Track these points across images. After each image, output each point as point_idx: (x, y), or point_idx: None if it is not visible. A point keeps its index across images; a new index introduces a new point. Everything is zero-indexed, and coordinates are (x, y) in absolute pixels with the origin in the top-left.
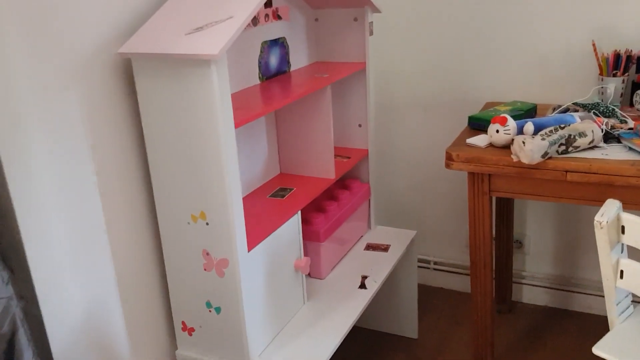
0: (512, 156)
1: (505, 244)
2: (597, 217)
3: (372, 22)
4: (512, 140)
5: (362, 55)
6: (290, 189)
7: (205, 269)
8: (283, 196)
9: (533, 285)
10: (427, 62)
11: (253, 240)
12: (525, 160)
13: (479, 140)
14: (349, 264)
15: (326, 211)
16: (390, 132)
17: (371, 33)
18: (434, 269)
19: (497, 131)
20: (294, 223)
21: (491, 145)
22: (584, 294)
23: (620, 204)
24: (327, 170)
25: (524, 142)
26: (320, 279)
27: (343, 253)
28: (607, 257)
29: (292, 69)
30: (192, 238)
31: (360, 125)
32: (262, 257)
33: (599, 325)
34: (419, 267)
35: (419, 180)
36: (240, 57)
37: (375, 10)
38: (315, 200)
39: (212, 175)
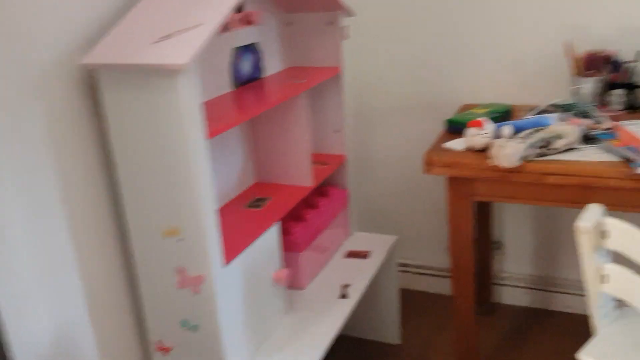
0: (490, 160)
1: (484, 245)
2: (579, 222)
3: (346, 25)
4: (490, 143)
5: (336, 59)
6: (267, 199)
7: (180, 287)
8: (260, 206)
9: (513, 286)
10: (402, 65)
11: (230, 254)
12: (504, 163)
13: (457, 144)
14: (329, 273)
15: (305, 220)
16: (367, 136)
17: (345, 37)
18: (416, 273)
19: (475, 135)
20: (272, 234)
21: (469, 148)
22: (564, 293)
23: (602, 208)
24: (304, 177)
25: (502, 146)
26: (301, 289)
27: (323, 262)
28: (589, 262)
29: (265, 75)
30: (165, 255)
31: (336, 131)
32: (239, 271)
33: (579, 324)
34: (400, 271)
35: (398, 184)
36: (211, 64)
37: (350, 13)
38: (293, 209)
39: (184, 189)
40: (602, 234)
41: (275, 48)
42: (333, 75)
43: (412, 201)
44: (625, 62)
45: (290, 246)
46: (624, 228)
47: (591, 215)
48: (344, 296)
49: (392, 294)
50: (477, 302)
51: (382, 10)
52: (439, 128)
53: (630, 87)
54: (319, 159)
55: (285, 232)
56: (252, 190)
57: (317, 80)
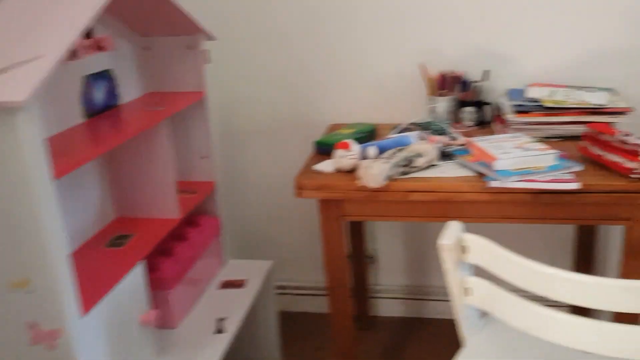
0: (358, 181)
1: (359, 260)
2: (441, 240)
3: (207, 49)
4: (357, 164)
5: (199, 84)
6: (130, 235)
7: (33, 343)
8: (122, 244)
9: (388, 298)
10: (270, 87)
11: (88, 302)
12: (370, 184)
13: (326, 165)
14: (203, 307)
15: (174, 254)
16: (237, 161)
17: (207, 61)
18: (295, 294)
19: (342, 156)
20: (137, 274)
21: (338, 170)
22: (435, 300)
23: (461, 225)
24: (170, 209)
25: (368, 167)
26: (173, 328)
27: (196, 296)
28: (453, 277)
29: (122, 102)
30: (14, 309)
31: (204, 157)
32: (101, 319)
33: (451, 329)
34: (280, 294)
35: (272, 207)
36: (58, 95)
37: (209, 37)
38: (159, 244)
39: (30, 235)
40: (463, 249)
41: (132, 74)
42: (197, 100)
43: (287, 223)
44: (474, 82)
45: (158, 284)
46: (482, 243)
47: (451, 232)
48: (219, 331)
49: (271, 320)
50: (356, 318)
51: (247, 32)
52: (309, 148)
53: (478, 104)
54: (186, 188)
55: (153, 270)
56: (113, 227)
57: (180, 106)
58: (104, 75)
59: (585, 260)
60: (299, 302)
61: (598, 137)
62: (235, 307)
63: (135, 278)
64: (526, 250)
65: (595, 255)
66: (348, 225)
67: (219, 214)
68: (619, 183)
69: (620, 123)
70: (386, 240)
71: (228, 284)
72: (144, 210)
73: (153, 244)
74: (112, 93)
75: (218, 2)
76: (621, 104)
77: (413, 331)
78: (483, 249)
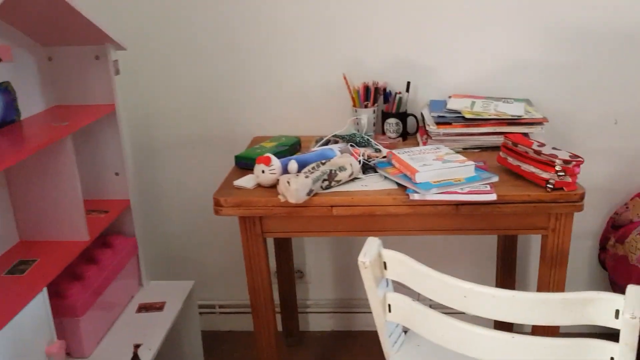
0: (279, 196)
1: (287, 276)
2: (360, 258)
3: (116, 60)
4: (278, 180)
5: (109, 96)
6: (33, 261)
7: None
8: (23, 271)
9: (318, 312)
10: (189, 99)
11: None
12: (291, 200)
13: (246, 181)
14: (118, 333)
15: (84, 278)
16: (156, 176)
17: (117, 72)
18: (221, 313)
19: (263, 171)
20: (39, 302)
21: (259, 185)
22: (364, 312)
23: (380, 241)
24: (78, 231)
25: (289, 182)
26: (85, 358)
27: (110, 321)
28: (374, 294)
29: (23, 117)
30: None
31: (117, 174)
32: (0, 352)
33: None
34: (205, 313)
35: (194, 223)
36: None
37: (119, 47)
38: (70, 267)
39: None
40: (383, 265)
41: (34, 86)
42: (107, 113)
43: (210, 240)
44: (397, 93)
45: (67, 311)
46: (400, 259)
47: (370, 249)
48: (135, 358)
49: (195, 341)
50: (285, 334)
51: (165, 42)
52: (232, 162)
53: (402, 116)
54: (98, 207)
55: (60, 296)
56: (14, 253)
57: (86, 120)
58: (2, 88)
59: (507, 268)
60: (226, 321)
61: (515, 147)
62: (153, 332)
63: (38, 306)
64: (454, 260)
65: (517, 263)
66: (273, 240)
67: (135, 233)
68: (535, 193)
69: (535, 133)
70: (314, 255)
71: (146, 307)
72: (49, 233)
73: (59, 269)
74: (11, 107)
75: (132, 10)
76: (537, 115)
77: (343, 345)
78: (401, 265)
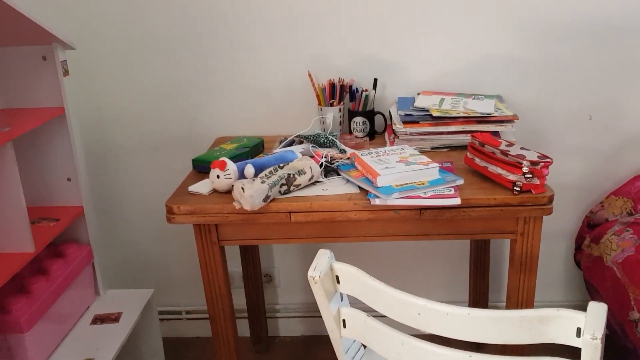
0: (234, 203)
1: (254, 280)
2: (310, 272)
3: (65, 60)
4: (233, 185)
5: (58, 98)
6: None
7: None
8: None
9: (288, 317)
10: (148, 99)
11: None
12: (246, 206)
13: (202, 186)
14: (69, 348)
15: (30, 291)
16: (114, 180)
17: (66, 73)
18: (187, 319)
19: (218, 176)
20: None
21: (215, 190)
22: None
23: (331, 253)
24: (22, 242)
25: (243, 188)
26: None
27: (61, 335)
28: (326, 309)
29: None
30: None
31: (69, 179)
32: None
33: None
34: (170, 319)
35: (156, 229)
36: None
37: (68, 47)
38: (15, 280)
39: None
40: (335, 278)
41: None
42: (56, 116)
43: (174, 243)
44: (364, 91)
45: (11, 327)
46: (352, 272)
47: (321, 262)
48: None
49: (156, 350)
50: (253, 340)
51: (119, 41)
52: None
53: (369, 114)
54: (48, 214)
55: (4, 311)
56: None
57: (31, 125)
58: None
59: (480, 271)
60: (192, 327)
61: (482, 148)
62: (107, 345)
63: None
64: (426, 262)
65: (490, 266)
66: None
67: (89, 241)
68: (501, 196)
69: (506, 131)
70: (283, 258)
71: (101, 319)
72: None
73: (1, 282)
74: None
75: (84, 5)
76: (507, 112)
77: (314, 350)
78: (353, 279)
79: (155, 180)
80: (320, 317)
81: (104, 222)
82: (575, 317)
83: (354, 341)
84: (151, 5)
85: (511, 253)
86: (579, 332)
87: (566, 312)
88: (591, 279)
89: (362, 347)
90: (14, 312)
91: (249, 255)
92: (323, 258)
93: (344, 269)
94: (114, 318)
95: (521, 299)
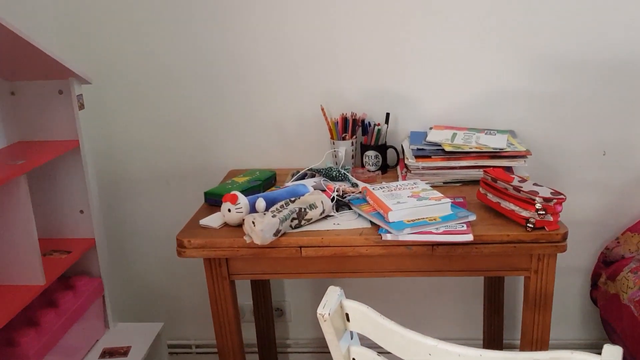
0: (244, 237)
1: (265, 314)
2: (319, 310)
3: (81, 94)
4: (245, 219)
5: (73, 132)
6: None
7: None
8: None
9: (298, 352)
10: (162, 131)
11: None
12: (257, 241)
13: (213, 220)
14: None
15: (39, 324)
16: (126, 213)
17: (82, 107)
18: (197, 353)
19: (229, 210)
20: None
21: (226, 224)
22: None
23: (341, 290)
24: (33, 275)
25: (254, 222)
26: None
27: None
28: (336, 348)
29: None
30: None
31: (82, 212)
32: None
33: None
34: (180, 353)
35: (166, 261)
36: None
37: (84, 81)
38: (25, 312)
39: None
40: (345, 316)
41: None
42: (70, 149)
43: (184, 276)
44: (376, 125)
45: None
46: (362, 311)
47: (330, 300)
48: None
49: None
50: None
51: (133, 75)
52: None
53: (381, 148)
54: (60, 247)
55: (13, 344)
56: None
57: (45, 158)
58: None
59: (494, 308)
60: None
61: (494, 184)
62: None
63: None
64: (439, 297)
65: (504, 302)
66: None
67: (100, 273)
68: (514, 233)
69: (519, 167)
70: (294, 292)
71: (110, 352)
72: (2, 277)
73: (10, 315)
74: None
75: (99, 40)
76: (520, 147)
77: None
78: (364, 317)
79: (165, 213)
80: (330, 352)
81: (113, 253)
82: None
83: None
84: (165, 40)
85: (525, 291)
86: None
87: (580, 355)
88: (608, 317)
89: None
90: (22, 345)
91: (260, 288)
92: (333, 295)
93: (354, 307)
94: (122, 352)
95: (536, 337)
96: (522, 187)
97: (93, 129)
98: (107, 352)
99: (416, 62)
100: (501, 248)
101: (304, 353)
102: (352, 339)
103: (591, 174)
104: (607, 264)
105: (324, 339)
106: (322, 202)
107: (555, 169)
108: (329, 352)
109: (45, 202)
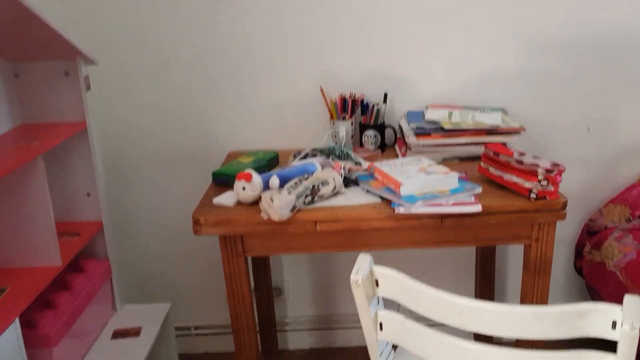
0: (261, 214)
1: (265, 294)
2: (352, 276)
3: (87, 75)
4: (260, 196)
5: (80, 113)
6: (2, 290)
7: None
8: None
9: (297, 330)
10: (162, 115)
11: None
12: (275, 217)
13: (226, 198)
14: None
15: (56, 306)
16: (129, 196)
17: (88, 88)
18: (196, 335)
19: (244, 188)
20: (12, 334)
21: (239, 202)
22: (343, 328)
23: (371, 257)
24: (50, 256)
25: (271, 199)
26: None
27: (84, 350)
28: (366, 312)
29: None
30: None
31: (89, 194)
32: None
33: (360, 356)
34: (180, 335)
35: (169, 243)
36: None
37: (90, 62)
38: (41, 295)
39: None
40: (374, 282)
41: (0, 103)
42: (78, 131)
43: (186, 260)
44: (374, 105)
45: (39, 342)
46: (392, 275)
47: (362, 266)
48: None
49: None
50: (263, 354)
51: (134, 57)
52: (208, 179)
53: (380, 128)
54: (68, 229)
55: (32, 326)
56: None
57: (57, 139)
58: None
59: (486, 280)
60: (201, 343)
61: (496, 157)
62: (130, 359)
63: (10, 338)
64: (433, 274)
65: (494, 274)
66: (251, 258)
67: (108, 256)
68: (518, 203)
69: (512, 142)
70: (292, 272)
71: (121, 333)
72: (19, 260)
73: (31, 297)
74: None
75: (98, 22)
76: (514, 124)
77: None
78: (393, 282)
79: (167, 195)
80: (329, 329)
81: (118, 236)
82: (612, 310)
83: (387, 344)
84: (166, 23)
85: (525, 258)
86: (614, 325)
87: (603, 306)
88: (594, 284)
89: (393, 351)
90: (42, 327)
91: (261, 269)
92: (364, 262)
93: (384, 273)
94: (134, 332)
95: (536, 301)
96: (523, 159)
97: (93, 111)
98: (118, 333)
99: (411, 44)
100: (506, 218)
101: (302, 331)
102: (378, 304)
103: (575, 150)
104: (591, 234)
105: (321, 316)
106: (333, 179)
107: (541, 145)
108: (326, 329)
109: (52, 185)
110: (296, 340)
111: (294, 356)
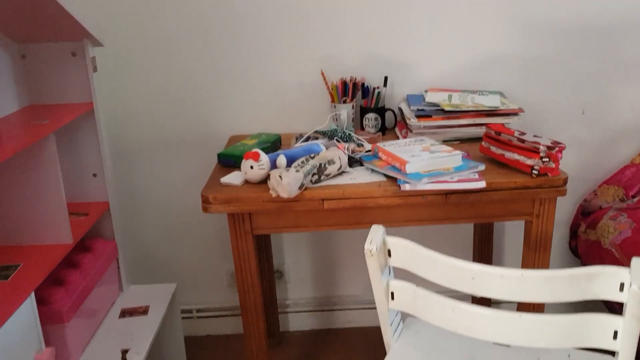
0: (270, 192)
1: (267, 276)
2: (366, 246)
3: (94, 56)
4: (268, 175)
5: (87, 94)
6: (16, 266)
7: None
8: (7, 277)
9: (298, 312)
10: (165, 98)
11: None
12: (284, 194)
13: (234, 178)
14: (103, 339)
15: (67, 283)
16: (133, 177)
17: (95, 69)
18: (199, 317)
19: (252, 167)
20: (27, 309)
21: (246, 181)
22: (343, 310)
23: (384, 228)
24: (62, 234)
25: (280, 177)
26: None
27: (94, 327)
28: (378, 282)
29: None
30: None
31: (95, 175)
32: None
33: (362, 337)
34: (182, 318)
35: (172, 226)
36: None
37: (97, 43)
38: (51, 272)
39: None
40: (387, 252)
41: (7, 85)
42: (85, 112)
43: (189, 242)
44: (375, 88)
45: (52, 318)
46: (405, 245)
47: (375, 236)
48: None
49: (178, 347)
50: (267, 336)
51: (135, 39)
52: (210, 162)
53: (380, 111)
54: (77, 209)
55: (44, 302)
56: None
57: (66, 119)
58: None
59: (484, 258)
60: (204, 325)
61: (498, 137)
62: (140, 337)
63: (26, 313)
64: (435, 249)
65: (492, 253)
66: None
67: (114, 236)
68: (520, 180)
69: (511, 124)
70: (292, 254)
71: (129, 312)
72: (31, 237)
73: (44, 273)
74: None
75: (101, 5)
76: (512, 106)
77: (325, 343)
78: (405, 251)
79: (171, 177)
80: (330, 310)
81: (123, 217)
82: (620, 273)
83: (396, 315)
84: (166, 7)
85: (526, 234)
86: (622, 287)
87: (611, 269)
88: (590, 263)
89: (402, 321)
90: (55, 303)
91: (263, 251)
92: (378, 233)
93: (397, 243)
94: (142, 311)
95: None
96: (524, 138)
97: (99, 92)
98: (126, 312)
99: (410, 28)
100: (509, 194)
101: (302, 312)
102: (390, 274)
103: (571, 132)
104: (586, 215)
105: (321, 298)
106: (339, 158)
107: (537, 127)
108: (327, 311)
109: (60, 166)
110: (297, 321)
111: (295, 337)
